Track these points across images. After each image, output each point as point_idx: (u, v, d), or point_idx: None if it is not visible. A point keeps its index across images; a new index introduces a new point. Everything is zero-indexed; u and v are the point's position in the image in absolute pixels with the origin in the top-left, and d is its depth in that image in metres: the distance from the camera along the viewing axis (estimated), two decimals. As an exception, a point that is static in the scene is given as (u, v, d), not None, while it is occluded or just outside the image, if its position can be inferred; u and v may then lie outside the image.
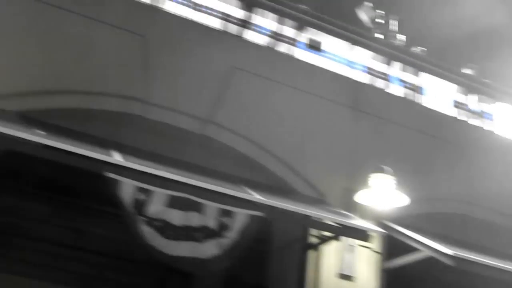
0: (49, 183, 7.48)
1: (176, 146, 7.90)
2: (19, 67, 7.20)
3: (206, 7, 9.12)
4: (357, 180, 8.14)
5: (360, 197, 7.78)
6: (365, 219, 7.58)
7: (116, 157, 6.02)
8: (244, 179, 7.76)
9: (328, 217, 6.95)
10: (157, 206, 5.99)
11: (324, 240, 7.63)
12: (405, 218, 8.29)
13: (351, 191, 8.09)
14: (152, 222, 5.92)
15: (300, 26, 9.85)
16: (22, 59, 7.25)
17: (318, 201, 7.99)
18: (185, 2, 8.98)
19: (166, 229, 5.98)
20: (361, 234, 6.93)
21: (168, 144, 7.83)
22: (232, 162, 8.18)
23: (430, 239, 7.54)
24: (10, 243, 7.33)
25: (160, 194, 6.01)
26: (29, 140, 5.64)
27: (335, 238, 7.40)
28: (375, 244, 8.00)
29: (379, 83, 10.20)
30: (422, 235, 7.69)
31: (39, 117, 7.02)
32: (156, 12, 8.58)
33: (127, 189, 5.87)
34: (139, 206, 5.91)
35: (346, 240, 7.73)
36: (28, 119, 6.86)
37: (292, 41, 9.62)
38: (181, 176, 6.13)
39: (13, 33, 7.36)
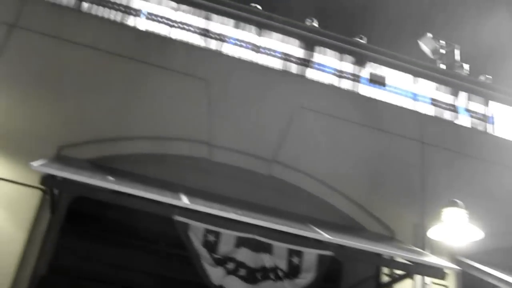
0: (119, 227, 7.63)
1: (242, 187, 7.93)
2: (88, 117, 7.49)
3: (267, 49, 9.23)
4: (429, 215, 7.94)
5: (432, 232, 7.52)
6: (439, 255, 7.32)
7: (184, 200, 6.07)
8: (311, 218, 7.67)
9: (400, 255, 6.75)
10: (226, 247, 5.98)
11: (396, 278, 7.39)
12: (481, 253, 7.96)
13: (423, 227, 7.89)
14: (223, 262, 5.92)
15: (362, 61, 9.82)
16: (90, 109, 7.55)
17: (389, 238, 7.80)
18: (245, 45, 9.13)
19: (240, 270, 5.96)
20: (435, 272, 6.65)
21: (234, 185, 7.87)
22: (299, 201, 8.12)
23: (509, 275, 7.21)
24: (81, 286, 7.46)
25: (229, 236, 6.01)
26: (100, 187, 5.80)
27: (408, 276, 7.15)
28: (450, 281, 7.70)
29: (446, 115, 9.97)
30: (500, 271, 7.36)
31: (109, 164, 7.23)
32: (218, 56, 8.77)
33: (197, 231, 5.89)
34: (209, 248, 5.92)
35: (419, 278, 7.49)
36: (99, 166, 7.06)
37: (355, 77, 9.58)
38: (249, 217, 6.11)
39: (79, 85, 7.69)
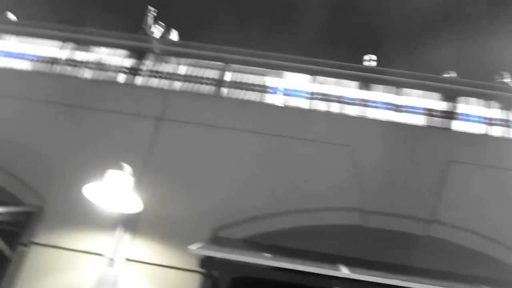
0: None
1: (401, 251, 7.61)
2: (239, 196, 7.64)
3: (407, 106, 9.00)
4: None
5: None
6: None
7: (344, 270, 5.91)
8: (481, 277, 7.15)
9: None
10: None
11: None
12: None
13: None
14: None
15: (510, 105, 9.26)
16: (240, 188, 7.72)
17: None
18: (385, 106, 8.98)
19: None
20: None
21: (393, 250, 7.57)
22: (463, 261, 7.59)
23: None
24: None
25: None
26: (258, 264, 5.80)
27: None
28: None
29: None
30: None
31: (263, 240, 7.25)
32: (359, 120, 8.66)
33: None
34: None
35: None
36: (253, 243, 7.11)
37: (506, 123, 9.01)
38: (415, 283, 5.79)
39: (226, 166, 7.93)
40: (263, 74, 9.32)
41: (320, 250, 7.35)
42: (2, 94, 8.61)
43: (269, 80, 9.25)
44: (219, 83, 9.13)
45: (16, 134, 8.18)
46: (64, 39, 9.87)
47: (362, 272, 5.98)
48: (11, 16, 10.98)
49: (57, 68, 9.43)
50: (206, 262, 6.13)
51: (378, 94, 9.13)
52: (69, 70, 9.43)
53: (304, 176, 7.83)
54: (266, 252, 6.44)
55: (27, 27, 10.20)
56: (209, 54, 9.50)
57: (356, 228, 7.56)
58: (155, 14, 10.52)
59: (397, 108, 8.95)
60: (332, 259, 6.65)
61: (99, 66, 9.50)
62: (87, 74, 9.37)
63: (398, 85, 9.22)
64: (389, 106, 8.97)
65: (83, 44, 9.83)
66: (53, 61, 9.55)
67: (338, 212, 7.59)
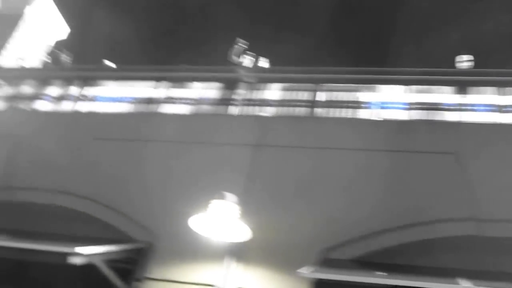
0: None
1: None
2: (346, 216, 7.47)
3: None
4: None
5: None
6: None
7: (464, 284, 5.61)
8: None
9: None
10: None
11: None
12: None
13: None
14: None
15: None
16: (347, 207, 7.55)
17: None
18: (487, 108, 8.57)
19: None
20: None
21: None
22: None
23: None
24: None
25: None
26: (373, 283, 5.62)
27: None
28: None
29: None
30: None
31: (375, 259, 7.05)
32: (461, 126, 8.29)
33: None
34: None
35: None
36: (364, 263, 6.93)
37: None
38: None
39: (331, 186, 7.79)
40: (355, 90, 9.19)
41: (436, 265, 7.03)
42: (104, 137, 8.97)
43: (362, 95, 9.10)
44: (313, 103, 9.10)
45: (120, 173, 8.47)
46: (158, 79, 10.20)
47: (485, 285, 5.66)
48: (108, 63, 11.50)
49: (154, 107, 9.74)
50: (319, 285, 6.01)
51: (478, 96, 8.73)
52: (165, 107, 9.72)
53: (411, 188, 7.56)
54: (379, 271, 6.24)
55: (124, 72, 10.66)
56: (300, 77, 9.51)
57: (472, 239, 7.18)
58: (245, 47, 10.68)
59: (501, 109, 8.51)
60: (450, 273, 6.35)
61: (195, 100, 9.72)
62: (183, 109, 9.60)
63: (500, 85, 8.77)
64: (492, 108, 8.55)
65: (177, 81, 10.12)
66: (149, 101, 9.88)
67: (451, 223, 7.23)
